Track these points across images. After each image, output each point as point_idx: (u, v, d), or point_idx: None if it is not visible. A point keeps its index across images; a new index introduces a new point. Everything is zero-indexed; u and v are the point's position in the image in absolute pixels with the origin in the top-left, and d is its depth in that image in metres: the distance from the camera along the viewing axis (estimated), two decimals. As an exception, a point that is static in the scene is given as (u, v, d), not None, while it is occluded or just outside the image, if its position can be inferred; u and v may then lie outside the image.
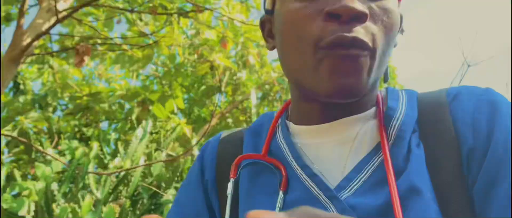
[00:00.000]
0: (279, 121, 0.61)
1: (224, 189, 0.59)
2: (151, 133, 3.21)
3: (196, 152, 2.46)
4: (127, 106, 4.41)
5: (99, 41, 3.30)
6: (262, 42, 4.70)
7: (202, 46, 4.10)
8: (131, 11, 2.78)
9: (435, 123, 0.53)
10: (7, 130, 3.51)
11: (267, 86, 5.23)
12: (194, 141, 3.07)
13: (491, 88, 0.55)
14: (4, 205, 2.24)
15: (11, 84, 4.76)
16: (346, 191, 0.51)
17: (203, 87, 5.10)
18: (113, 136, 3.70)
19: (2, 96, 3.67)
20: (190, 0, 2.55)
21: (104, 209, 1.78)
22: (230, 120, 5.58)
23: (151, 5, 2.82)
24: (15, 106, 3.84)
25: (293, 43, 0.51)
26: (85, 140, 3.48)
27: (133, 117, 3.65)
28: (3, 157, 3.83)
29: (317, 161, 0.55)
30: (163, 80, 4.37)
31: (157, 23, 3.30)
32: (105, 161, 3.04)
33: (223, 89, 5.11)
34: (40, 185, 2.25)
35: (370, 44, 0.49)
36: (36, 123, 3.59)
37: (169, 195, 2.52)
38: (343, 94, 0.49)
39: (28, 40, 2.98)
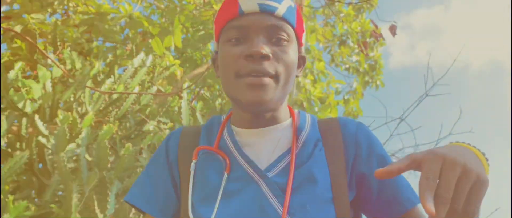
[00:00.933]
0: (225, 124, 0.87)
1: (184, 168, 0.84)
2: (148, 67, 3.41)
3: (184, 94, 2.72)
4: (125, 31, 4.56)
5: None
6: None
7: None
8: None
9: (333, 139, 0.83)
10: (10, 24, 3.65)
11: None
12: (185, 85, 3.32)
13: (359, 121, 0.90)
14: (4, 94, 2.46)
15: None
16: (271, 173, 0.78)
17: (202, 32, 5.26)
18: (110, 57, 3.90)
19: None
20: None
21: (105, 127, 2.03)
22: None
23: None
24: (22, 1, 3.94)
25: (226, 73, 0.80)
26: (84, 54, 3.68)
27: (132, 45, 3.84)
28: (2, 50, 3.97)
29: (250, 153, 0.81)
30: (167, 15, 4.52)
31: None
32: (98, 79, 3.26)
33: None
34: (39, 88, 2.46)
35: (272, 72, 0.76)
36: (41, 26, 3.73)
37: (151, 125, 2.79)
38: (256, 105, 0.76)
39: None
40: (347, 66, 6.37)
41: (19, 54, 3.56)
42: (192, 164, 0.82)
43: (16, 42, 3.55)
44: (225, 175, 0.78)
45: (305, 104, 4.56)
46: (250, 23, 0.77)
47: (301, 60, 0.88)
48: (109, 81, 3.04)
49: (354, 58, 6.15)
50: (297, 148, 0.80)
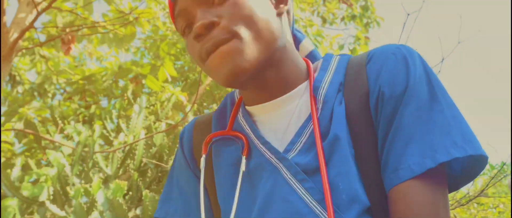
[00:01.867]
0: (240, 104, 0.74)
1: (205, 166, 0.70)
2: (148, 107, 3.37)
3: (191, 117, 2.65)
4: (121, 82, 4.56)
5: (82, 24, 3.39)
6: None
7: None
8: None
9: (355, 82, 0.65)
10: (12, 122, 3.69)
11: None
12: (188, 108, 3.26)
13: (404, 45, 0.66)
14: (25, 193, 2.47)
15: (7, 78, 4.89)
16: (292, 152, 0.64)
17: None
18: (114, 113, 3.89)
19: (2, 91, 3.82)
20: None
21: (111, 185, 1.98)
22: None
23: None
24: (15, 97, 4.00)
25: (198, 64, 0.67)
26: (88, 121, 3.67)
27: (129, 93, 3.81)
28: (15, 148, 4.04)
29: (269, 132, 0.67)
30: (150, 52, 4.48)
31: (133, 1, 3.37)
32: (110, 138, 3.24)
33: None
34: (54, 170, 2.46)
35: (227, 35, 0.61)
36: (38, 112, 3.77)
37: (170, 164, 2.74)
38: (233, 79, 0.61)
39: (14, 36, 3.09)
40: (340, 17, 6.17)
41: (31, 146, 3.60)
42: (202, 160, 0.68)
43: (26, 136, 3.60)
44: (243, 159, 0.66)
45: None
46: (182, 5, 0.66)
47: None
48: (121, 137, 3.01)
49: (344, 7, 5.95)
50: (318, 111, 0.64)
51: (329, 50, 5.48)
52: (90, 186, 2.13)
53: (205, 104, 5.24)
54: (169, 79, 4.39)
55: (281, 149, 0.65)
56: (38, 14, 2.87)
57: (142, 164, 2.66)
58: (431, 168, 0.55)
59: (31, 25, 2.90)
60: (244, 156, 0.66)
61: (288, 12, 0.72)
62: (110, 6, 3.28)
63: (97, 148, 2.60)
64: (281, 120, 0.67)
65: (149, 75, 4.22)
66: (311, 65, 0.71)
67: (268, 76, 0.66)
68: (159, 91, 4.14)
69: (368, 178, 0.59)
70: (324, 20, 6.33)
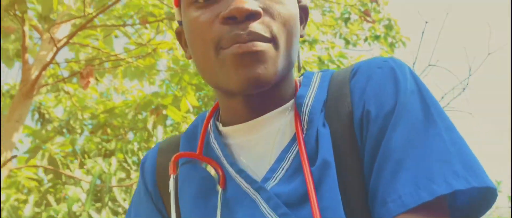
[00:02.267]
0: (210, 122, 0.64)
1: (168, 195, 0.61)
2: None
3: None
4: (144, 114, 4.57)
5: (103, 58, 3.43)
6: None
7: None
8: (124, 25, 2.87)
9: (338, 100, 0.56)
10: (37, 159, 3.72)
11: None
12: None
13: (393, 57, 0.58)
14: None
15: (36, 116, 5.00)
16: (272, 181, 0.55)
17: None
18: (135, 146, 3.86)
19: (27, 128, 3.88)
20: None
21: None
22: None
23: (140, 15, 2.90)
24: (41, 135, 4.05)
25: (199, 49, 0.55)
26: (109, 155, 3.65)
27: (150, 125, 3.78)
28: (41, 186, 4.07)
29: (246, 157, 0.58)
30: (173, 83, 4.48)
31: (150, 31, 3.39)
32: (131, 171, 3.19)
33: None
34: (73, 205, 2.40)
35: (268, 35, 0.53)
36: (62, 148, 3.78)
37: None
38: (252, 85, 0.52)
39: (36, 73, 3.14)
40: (363, 38, 6.05)
41: (56, 182, 3.60)
42: (170, 181, 0.58)
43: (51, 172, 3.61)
44: (220, 192, 0.57)
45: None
46: None
47: (303, 12, 0.63)
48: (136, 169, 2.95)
49: (367, 26, 5.84)
50: (303, 131, 0.55)
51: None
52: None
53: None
54: (191, 110, 4.35)
55: (260, 177, 0.56)
56: (57, 49, 2.90)
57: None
58: (427, 202, 0.46)
59: (51, 61, 2.93)
60: (221, 188, 0.57)
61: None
62: (129, 40, 3.31)
63: (114, 182, 2.54)
64: (260, 144, 0.58)
65: (170, 106, 4.20)
66: (298, 83, 0.63)
67: (269, 92, 0.57)
68: (181, 121, 4.09)
69: (353, 213, 0.50)
70: (347, 42, 6.22)
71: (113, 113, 3.96)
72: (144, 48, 3.41)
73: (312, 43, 5.39)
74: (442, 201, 0.49)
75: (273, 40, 0.53)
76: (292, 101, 0.60)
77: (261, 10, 0.53)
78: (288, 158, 0.55)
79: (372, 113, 0.52)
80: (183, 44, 0.64)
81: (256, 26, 0.52)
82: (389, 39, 5.50)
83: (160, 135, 2.97)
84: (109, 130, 3.82)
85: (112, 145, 3.61)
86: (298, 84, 0.63)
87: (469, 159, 0.49)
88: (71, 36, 2.83)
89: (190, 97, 4.36)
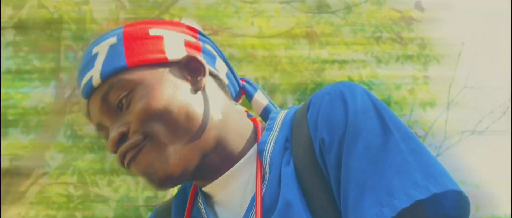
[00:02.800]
0: (196, 187, 0.65)
1: None
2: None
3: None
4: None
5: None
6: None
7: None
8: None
9: (299, 134, 0.57)
10: (68, 176, 3.80)
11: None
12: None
13: (343, 81, 0.58)
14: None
15: (68, 132, 5.14)
16: None
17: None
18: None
19: (59, 145, 3.97)
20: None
21: None
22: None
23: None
24: (72, 151, 4.14)
25: None
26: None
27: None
28: (70, 203, 4.14)
29: (226, 212, 0.59)
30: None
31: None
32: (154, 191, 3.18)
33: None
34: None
35: (140, 137, 0.54)
36: (91, 165, 3.85)
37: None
38: (162, 186, 0.56)
39: (69, 92, 3.23)
40: (395, 57, 5.93)
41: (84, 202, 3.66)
42: None
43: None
44: None
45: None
46: (94, 120, 0.60)
47: (189, 67, 0.60)
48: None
49: (398, 46, 5.72)
50: (266, 176, 0.56)
51: (384, 91, 5.22)
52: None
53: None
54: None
55: None
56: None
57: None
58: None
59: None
60: None
61: (214, 76, 0.62)
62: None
63: (140, 201, 2.53)
64: (235, 196, 0.59)
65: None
66: (260, 126, 0.62)
67: (209, 161, 0.58)
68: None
69: None
70: (379, 60, 6.11)
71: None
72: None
73: (342, 63, 5.33)
74: (413, 213, 0.48)
75: (146, 136, 0.55)
76: (254, 146, 0.60)
77: (123, 129, 0.55)
78: (253, 208, 0.56)
79: (326, 140, 0.52)
80: None
81: (126, 143, 0.55)
82: (422, 59, 5.37)
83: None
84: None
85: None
86: (260, 126, 0.62)
87: (429, 166, 0.49)
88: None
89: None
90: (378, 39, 5.73)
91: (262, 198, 0.54)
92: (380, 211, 0.47)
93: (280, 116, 0.62)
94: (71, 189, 3.44)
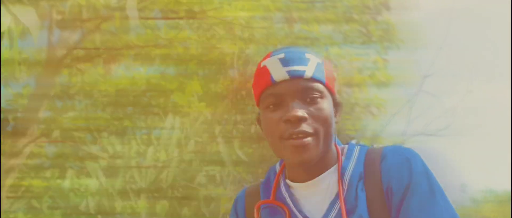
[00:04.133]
0: (280, 177, 0.94)
1: None
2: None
3: (219, 139, 2.86)
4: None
5: (119, 44, 3.66)
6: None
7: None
8: (146, 18, 3.11)
9: (372, 175, 0.87)
10: (52, 131, 3.96)
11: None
12: (217, 131, 3.48)
13: (408, 149, 0.90)
14: (68, 202, 2.71)
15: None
16: None
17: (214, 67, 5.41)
18: (144, 125, 4.14)
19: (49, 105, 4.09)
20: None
21: (157, 206, 2.20)
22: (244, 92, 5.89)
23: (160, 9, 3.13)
24: (56, 107, 4.28)
25: (270, 137, 0.87)
26: (120, 133, 3.93)
27: (157, 107, 4.05)
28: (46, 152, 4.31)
29: (306, 205, 0.88)
30: (179, 69, 4.72)
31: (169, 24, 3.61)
32: (141, 151, 3.48)
33: (235, 65, 5.41)
34: (94, 182, 2.70)
35: (311, 131, 0.82)
36: (74, 122, 4.03)
37: (202, 177, 2.95)
38: (303, 162, 0.83)
39: (60, 53, 3.38)
40: (361, 39, 6.30)
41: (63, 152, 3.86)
42: None
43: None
44: None
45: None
46: (283, 90, 0.84)
47: (338, 107, 0.92)
48: (150, 151, 3.25)
49: (365, 29, 6.08)
50: (344, 191, 0.85)
51: (348, 72, 5.59)
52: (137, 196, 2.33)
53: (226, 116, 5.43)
54: (195, 96, 4.61)
55: None
56: (84, 35, 3.14)
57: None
58: None
59: (78, 45, 3.17)
60: None
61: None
62: (145, 31, 3.53)
63: (132, 163, 2.83)
64: (316, 196, 0.88)
65: (176, 90, 4.47)
66: (339, 150, 0.92)
67: (317, 162, 0.86)
68: (185, 105, 4.36)
69: None
70: (345, 39, 6.44)
71: (123, 93, 4.21)
72: (160, 37, 3.64)
73: (314, 40, 5.62)
74: None
75: (315, 134, 0.83)
76: (335, 166, 0.89)
77: (307, 116, 0.82)
78: (334, 209, 0.86)
79: (394, 189, 0.83)
80: (260, 125, 0.94)
81: (304, 126, 0.82)
82: (385, 43, 5.77)
83: (177, 124, 3.26)
84: (119, 109, 4.08)
85: (123, 123, 3.88)
86: (340, 152, 0.91)
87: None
88: (98, 25, 3.06)
89: (195, 84, 4.63)
90: (348, 20, 6.06)
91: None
92: None
93: (356, 150, 0.91)
94: (60, 147, 3.66)
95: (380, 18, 6.01)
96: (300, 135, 0.82)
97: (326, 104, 0.87)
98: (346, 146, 0.95)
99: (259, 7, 5.15)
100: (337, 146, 0.93)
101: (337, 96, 0.93)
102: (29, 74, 4.22)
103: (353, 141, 0.98)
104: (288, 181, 0.92)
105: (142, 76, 4.87)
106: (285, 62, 0.86)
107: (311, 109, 0.84)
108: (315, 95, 0.85)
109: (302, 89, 0.84)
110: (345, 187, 0.86)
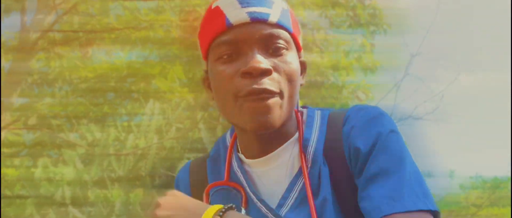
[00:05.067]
0: (232, 152, 0.78)
1: None
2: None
3: (201, 125, 2.77)
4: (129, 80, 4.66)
5: (99, 27, 3.51)
6: None
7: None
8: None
9: (333, 143, 0.72)
10: (27, 118, 3.82)
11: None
12: (199, 117, 3.38)
13: (377, 107, 0.75)
14: (41, 191, 2.61)
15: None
16: (285, 208, 0.71)
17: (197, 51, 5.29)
18: (124, 111, 4.01)
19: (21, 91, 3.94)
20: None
21: (131, 194, 2.11)
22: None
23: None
24: (29, 93, 4.12)
25: (222, 96, 0.70)
26: (100, 120, 3.80)
27: (138, 92, 3.94)
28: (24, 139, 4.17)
29: (263, 185, 0.74)
30: (161, 53, 4.59)
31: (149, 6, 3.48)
32: (121, 138, 3.37)
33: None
34: (70, 171, 2.59)
35: (276, 90, 0.67)
36: (51, 108, 3.89)
37: (183, 164, 2.86)
38: (262, 128, 0.68)
39: (34, 36, 3.22)
40: (348, 23, 6.24)
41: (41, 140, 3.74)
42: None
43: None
44: (243, 211, 0.72)
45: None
46: (241, 36, 0.67)
47: (302, 66, 0.77)
48: (130, 138, 3.14)
49: (352, 13, 6.02)
50: (307, 167, 0.71)
51: (334, 56, 5.55)
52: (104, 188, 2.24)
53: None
54: (177, 82, 4.49)
55: (274, 203, 0.72)
56: (59, 16, 2.99)
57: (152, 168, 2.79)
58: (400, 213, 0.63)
59: (51, 27, 3.02)
60: (243, 208, 0.72)
61: None
62: (124, 12, 3.39)
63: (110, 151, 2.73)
64: (274, 173, 0.73)
65: (158, 75, 4.34)
66: (300, 119, 0.77)
67: (276, 131, 0.71)
68: (167, 91, 4.25)
69: None
70: (332, 23, 6.38)
71: (102, 77, 4.07)
72: (140, 19, 3.51)
73: (301, 26, 5.54)
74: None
75: (280, 94, 0.68)
76: (296, 135, 0.75)
77: (271, 69, 0.67)
78: (295, 189, 0.72)
79: (358, 152, 0.68)
80: (207, 88, 0.78)
81: (267, 82, 0.67)
82: (371, 27, 5.72)
83: (157, 109, 3.15)
84: (98, 95, 3.95)
85: (103, 109, 3.76)
86: (300, 119, 0.76)
87: (426, 188, 0.67)
88: (74, 6, 2.91)
89: (177, 70, 4.50)
90: (334, 4, 5.99)
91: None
92: (392, 204, 0.62)
93: (317, 116, 0.77)
94: (36, 134, 3.53)
95: (368, 2, 5.95)
96: (263, 94, 0.66)
97: (293, 58, 0.72)
98: (304, 110, 0.79)
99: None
100: (297, 112, 0.78)
101: (301, 52, 0.78)
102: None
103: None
104: (240, 156, 0.77)
105: (123, 61, 4.73)
106: (244, 1, 0.69)
107: (276, 61, 0.69)
108: (280, 45, 0.69)
109: (265, 36, 0.68)
110: (309, 163, 0.71)
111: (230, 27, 0.68)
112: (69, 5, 2.89)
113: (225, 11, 0.69)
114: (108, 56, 5.80)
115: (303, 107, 0.81)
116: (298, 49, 0.75)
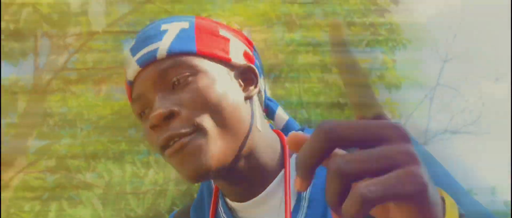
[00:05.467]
0: (218, 195, 0.67)
1: None
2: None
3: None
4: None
5: (112, 63, 3.47)
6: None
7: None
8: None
9: None
10: (45, 160, 3.77)
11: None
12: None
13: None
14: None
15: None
16: None
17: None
18: (143, 147, 3.92)
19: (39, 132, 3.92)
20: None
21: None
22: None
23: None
24: (48, 134, 4.10)
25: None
26: (118, 158, 3.71)
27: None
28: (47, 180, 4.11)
29: None
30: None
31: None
32: (140, 175, 3.25)
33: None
34: (88, 212, 2.47)
35: (189, 129, 0.55)
36: (69, 149, 3.83)
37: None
38: (198, 177, 0.56)
39: (47, 77, 3.19)
40: (365, 41, 6.12)
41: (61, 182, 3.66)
42: None
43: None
44: None
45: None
46: (140, 88, 0.59)
47: (248, 74, 0.63)
48: (150, 173, 3.03)
49: (371, 29, 5.91)
50: (303, 209, 0.59)
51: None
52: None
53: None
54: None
55: None
56: (71, 55, 2.95)
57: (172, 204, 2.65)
58: None
59: (65, 66, 2.98)
60: None
61: (259, 91, 0.64)
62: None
63: (127, 189, 2.60)
64: (267, 216, 0.61)
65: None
66: (287, 149, 0.63)
67: (240, 168, 0.60)
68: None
69: None
70: (350, 43, 6.28)
71: (120, 114, 4.01)
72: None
73: (316, 46, 5.45)
74: None
75: (196, 129, 0.56)
76: (282, 172, 0.62)
77: (174, 109, 0.56)
78: None
79: None
80: None
81: (173, 126, 0.55)
82: (390, 43, 5.58)
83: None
84: (117, 132, 3.88)
85: (121, 146, 3.67)
86: (287, 149, 0.63)
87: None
88: (84, 43, 2.87)
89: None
90: (349, 24, 5.89)
91: None
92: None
93: None
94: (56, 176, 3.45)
95: (383, 19, 5.84)
96: (170, 142, 0.55)
97: (205, 81, 0.58)
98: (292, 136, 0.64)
99: (257, 15, 4.95)
100: (281, 134, 0.65)
101: (242, 60, 0.64)
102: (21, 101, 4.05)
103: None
104: (228, 201, 0.65)
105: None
106: (135, 49, 0.60)
107: (183, 95, 0.57)
108: (180, 75, 0.58)
109: (157, 76, 0.58)
110: (305, 203, 0.59)
111: (130, 85, 0.61)
112: (80, 42, 2.85)
113: (126, 69, 0.63)
114: (124, 92, 5.80)
115: (301, 129, 0.68)
116: (224, 60, 0.62)
